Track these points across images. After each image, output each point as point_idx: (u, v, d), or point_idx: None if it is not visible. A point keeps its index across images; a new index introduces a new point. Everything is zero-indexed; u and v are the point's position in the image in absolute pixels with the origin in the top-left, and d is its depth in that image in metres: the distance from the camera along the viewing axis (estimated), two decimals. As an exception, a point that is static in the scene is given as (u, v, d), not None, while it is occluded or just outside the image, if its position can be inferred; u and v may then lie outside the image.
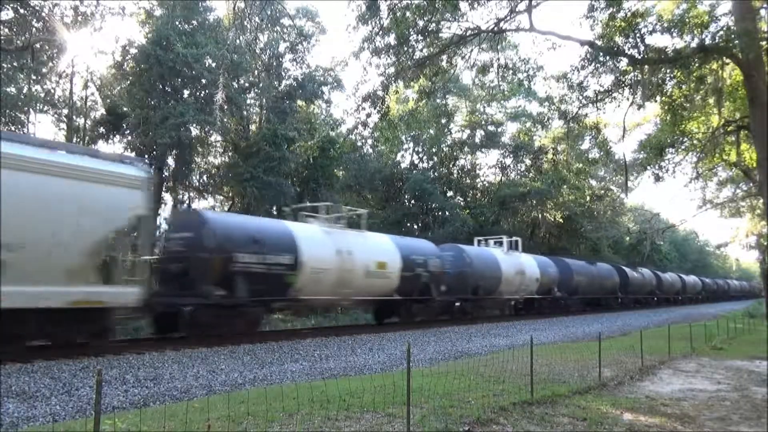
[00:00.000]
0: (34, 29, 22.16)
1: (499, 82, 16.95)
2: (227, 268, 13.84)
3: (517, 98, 42.50)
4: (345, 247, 17.18)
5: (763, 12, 15.64)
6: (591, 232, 46.05)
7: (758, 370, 11.38)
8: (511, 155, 45.53)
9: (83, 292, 10.67)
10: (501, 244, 27.76)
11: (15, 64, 22.58)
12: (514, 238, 29.21)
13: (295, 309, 19.81)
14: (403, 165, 42.71)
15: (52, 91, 27.51)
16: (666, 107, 16.20)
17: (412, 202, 40.67)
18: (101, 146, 28.50)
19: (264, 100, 31.60)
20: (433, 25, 13.97)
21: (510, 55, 28.98)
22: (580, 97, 16.04)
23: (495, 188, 43.84)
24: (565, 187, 39.69)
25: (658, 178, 20.09)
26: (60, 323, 10.54)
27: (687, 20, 14.42)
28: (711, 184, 28.75)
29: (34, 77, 24.96)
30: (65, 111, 28.55)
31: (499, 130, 45.62)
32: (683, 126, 18.22)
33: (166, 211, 27.93)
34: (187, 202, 31.55)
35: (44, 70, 25.27)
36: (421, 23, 13.87)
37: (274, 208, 28.47)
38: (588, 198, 44.58)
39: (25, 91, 24.92)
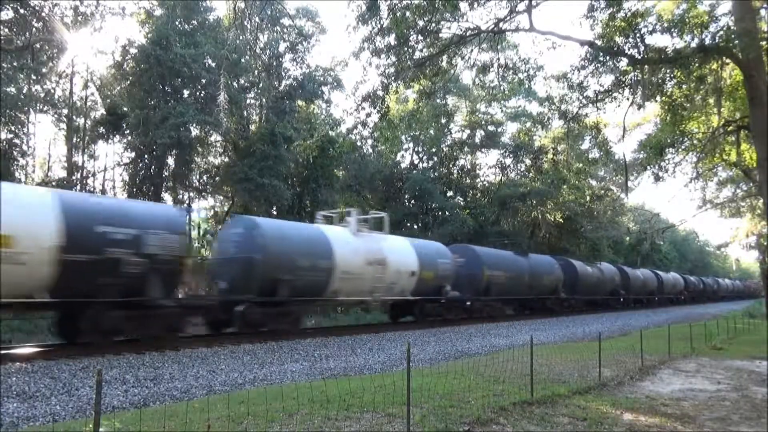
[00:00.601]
0: (34, 29, 22.16)
1: (499, 82, 16.91)
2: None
3: (517, 98, 42.47)
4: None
5: (763, 12, 15.64)
6: (591, 232, 46.00)
7: (758, 370, 11.38)
8: (511, 155, 45.50)
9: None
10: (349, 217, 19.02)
11: (15, 64, 22.57)
12: (378, 213, 21.82)
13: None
14: (403, 165, 42.72)
15: (52, 91, 27.54)
16: (666, 107, 16.18)
17: (412, 202, 40.66)
18: (101, 146, 28.54)
19: (264, 100, 31.59)
20: (433, 25, 13.94)
21: (510, 55, 28.87)
22: (580, 97, 16.02)
23: (495, 188, 43.82)
24: (565, 187, 39.62)
25: (658, 178, 20.06)
26: None
27: (687, 20, 14.39)
28: (711, 184, 28.79)
29: (34, 77, 24.96)
30: (65, 111, 28.56)
31: (499, 130, 45.61)
32: (683, 126, 18.19)
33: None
34: (187, 202, 31.55)
35: (44, 70, 25.27)
36: (421, 23, 13.85)
37: (274, 209, 28.46)
38: (588, 198, 44.51)
39: (25, 91, 24.92)
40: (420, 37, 14.23)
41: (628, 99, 15.51)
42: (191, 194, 33.03)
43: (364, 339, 15.21)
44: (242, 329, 14.39)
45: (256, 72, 31.56)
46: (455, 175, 44.98)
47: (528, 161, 43.67)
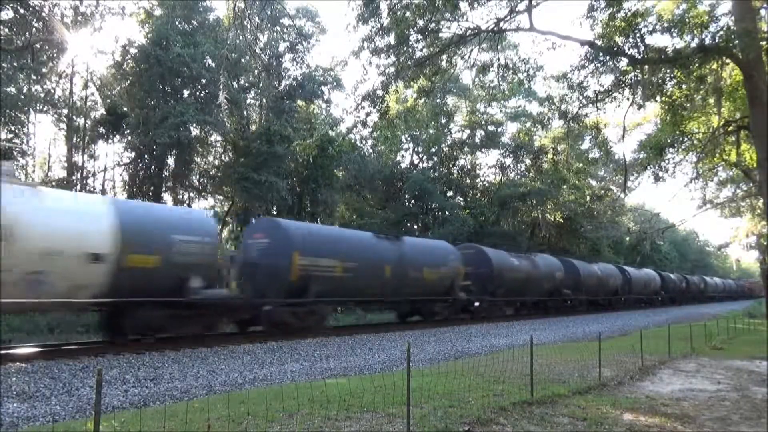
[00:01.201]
0: (34, 29, 22.16)
1: (499, 82, 16.87)
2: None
3: (517, 98, 42.48)
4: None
5: (763, 12, 15.62)
6: (591, 232, 46.00)
7: (758, 370, 11.38)
8: (511, 155, 45.52)
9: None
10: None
11: (15, 64, 22.58)
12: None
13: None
14: (403, 165, 42.72)
15: (52, 91, 27.54)
16: (666, 107, 16.16)
17: (412, 202, 40.64)
18: (101, 146, 28.54)
19: (264, 100, 31.58)
20: (433, 25, 13.95)
21: (510, 55, 28.91)
22: (580, 97, 15.99)
23: (495, 188, 43.83)
24: (565, 187, 39.65)
25: (658, 178, 20.05)
26: None
27: (687, 20, 14.37)
28: (711, 184, 28.73)
29: (34, 77, 24.96)
30: (65, 111, 28.56)
31: (499, 130, 45.61)
32: (683, 126, 18.19)
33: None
34: (187, 202, 31.55)
35: (44, 70, 25.27)
36: (421, 23, 13.84)
37: (274, 209, 28.45)
38: (588, 198, 44.52)
39: (25, 91, 24.92)
40: (420, 37, 14.22)
41: (628, 99, 15.50)
42: (191, 194, 33.03)
43: (364, 339, 15.21)
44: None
45: (256, 72, 31.55)
46: (455, 175, 44.97)
47: (528, 161, 43.67)
